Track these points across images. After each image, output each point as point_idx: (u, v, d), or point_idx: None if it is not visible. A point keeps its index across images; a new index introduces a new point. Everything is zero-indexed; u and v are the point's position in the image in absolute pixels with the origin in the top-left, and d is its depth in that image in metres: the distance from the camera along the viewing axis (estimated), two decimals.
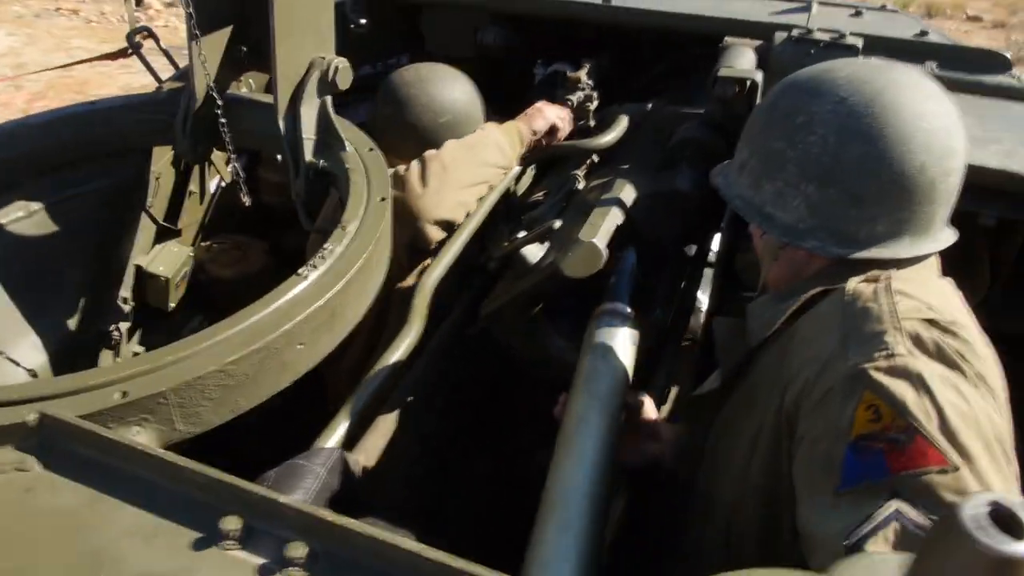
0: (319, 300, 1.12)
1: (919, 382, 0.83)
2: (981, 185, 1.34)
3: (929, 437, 0.81)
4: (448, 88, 1.81)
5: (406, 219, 1.61)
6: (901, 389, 0.83)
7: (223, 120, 1.42)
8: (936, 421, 0.81)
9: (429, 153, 1.67)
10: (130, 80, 7.29)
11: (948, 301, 0.96)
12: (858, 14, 2.05)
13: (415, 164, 1.66)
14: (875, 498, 0.81)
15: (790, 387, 0.95)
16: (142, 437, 0.98)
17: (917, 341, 0.86)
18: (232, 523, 0.78)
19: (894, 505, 0.80)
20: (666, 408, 1.46)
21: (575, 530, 1.00)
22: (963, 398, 0.83)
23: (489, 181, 1.73)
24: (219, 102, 1.41)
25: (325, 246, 1.20)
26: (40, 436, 0.90)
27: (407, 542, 0.75)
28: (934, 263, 1.03)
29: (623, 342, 1.28)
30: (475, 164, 1.69)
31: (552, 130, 1.86)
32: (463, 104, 1.81)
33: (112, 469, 0.87)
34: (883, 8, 2.16)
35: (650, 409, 1.33)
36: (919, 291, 0.93)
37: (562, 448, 1.12)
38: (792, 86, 1.05)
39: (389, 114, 1.81)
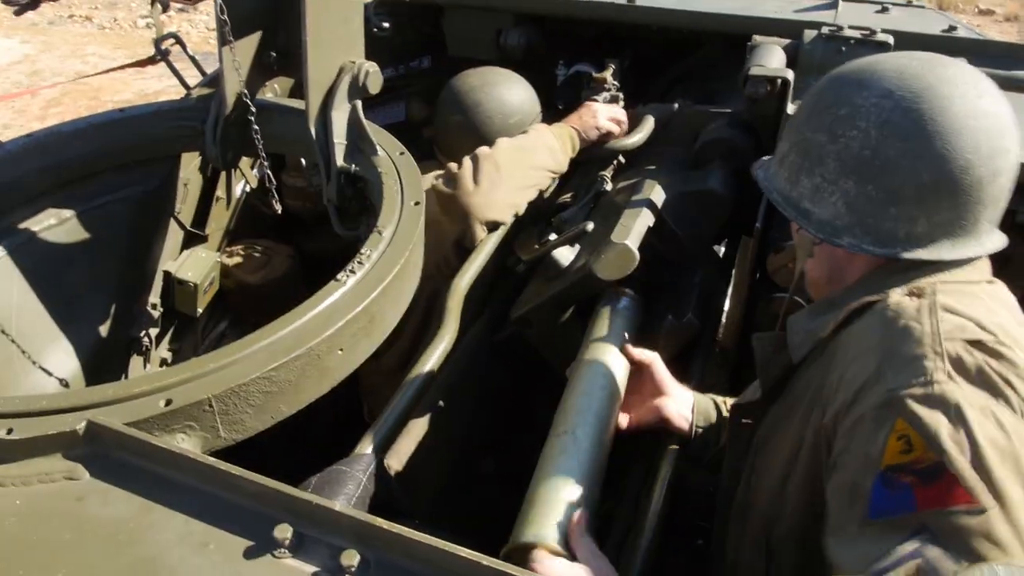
0: (358, 305, 1.12)
1: (956, 413, 0.79)
2: (1019, 182, 1.32)
3: (959, 474, 0.77)
4: (514, 91, 1.87)
5: (457, 216, 1.62)
6: (935, 419, 0.79)
7: (255, 126, 1.42)
8: (969, 456, 0.77)
9: (482, 151, 1.67)
10: (144, 86, 7.33)
11: (999, 313, 0.91)
12: (884, 10, 2.04)
13: (467, 161, 1.65)
14: (900, 532, 0.79)
15: (829, 406, 0.92)
16: (186, 444, 0.98)
17: (959, 366, 0.82)
18: (284, 531, 0.78)
19: (916, 543, 0.77)
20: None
21: (582, 449, 1.12)
22: (1003, 431, 0.79)
23: (540, 185, 1.73)
24: (252, 108, 1.41)
25: (362, 251, 1.20)
26: (88, 444, 0.90)
27: (462, 549, 0.74)
28: (985, 266, 0.98)
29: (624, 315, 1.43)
30: (527, 167, 1.69)
31: (607, 135, 1.84)
32: (529, 105, 1.88)
33: (161, 477, 0.87)
34: (909, 4, 2.14)
35: (659, 368, 1.33)
36: (968, 305, 0.89)
37: (571, 384, 1.26)
38: (838, 78, 1.02)
39: (458, 121, 1.84)
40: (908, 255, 0.94)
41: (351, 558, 0.77)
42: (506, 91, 1.85)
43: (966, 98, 0.93)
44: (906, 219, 0.94)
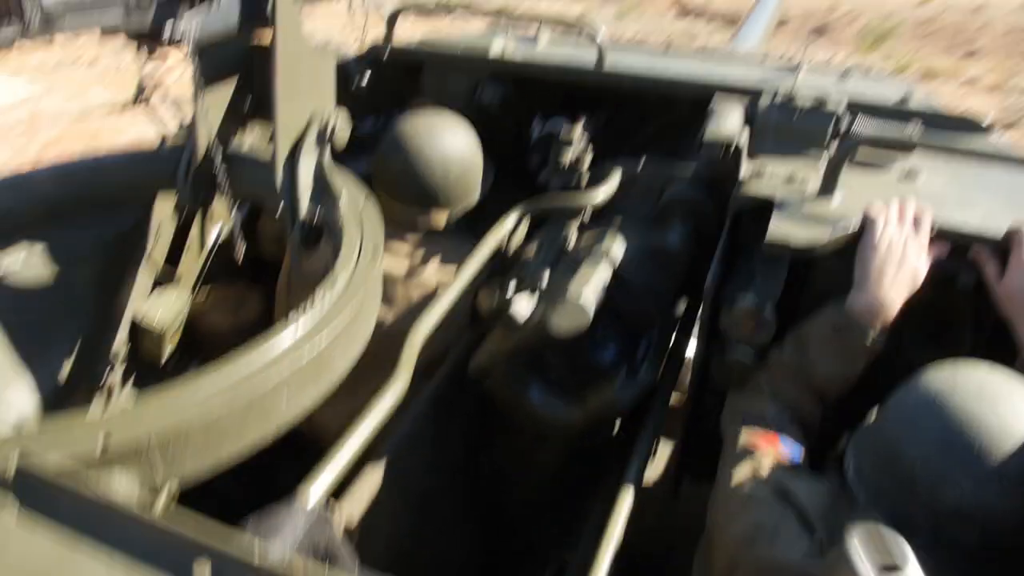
0: (305, 347, 1.13)
1: None
2: (961, 245, 1.36)
3: None
4: (453, 141, 1.92)
5: None
6: None
7: (222, 175, 1.46)
8: None
9: None
10: (142, 132, 7.44)
11: None
12: (845, 76, 2.11)
13: None
14: None
15: None
16: (124, 483, 0.99)
17: None
18: (204, 570, 0.78)
19: None
20: (653, 467, 1.46)
21: None
22: None
23: None
24: (217, 160, 1.45)
25: (315, 293, 1.22)
26: (18, 483, 0.90)
27: None
28: None
29: None
30: None
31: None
32: (469, 157, 1.93)
33: (91, 519, 0.87)
34: (869, 71, 2.22)
35: None
36: None
37: None
38: None
39: (397, 167, 1.90)
40: None
41: None
42: (446, 142, 1.92)
43: None
44: None
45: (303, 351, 1.12)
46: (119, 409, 1.01)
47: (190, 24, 1.28)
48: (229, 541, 0.81)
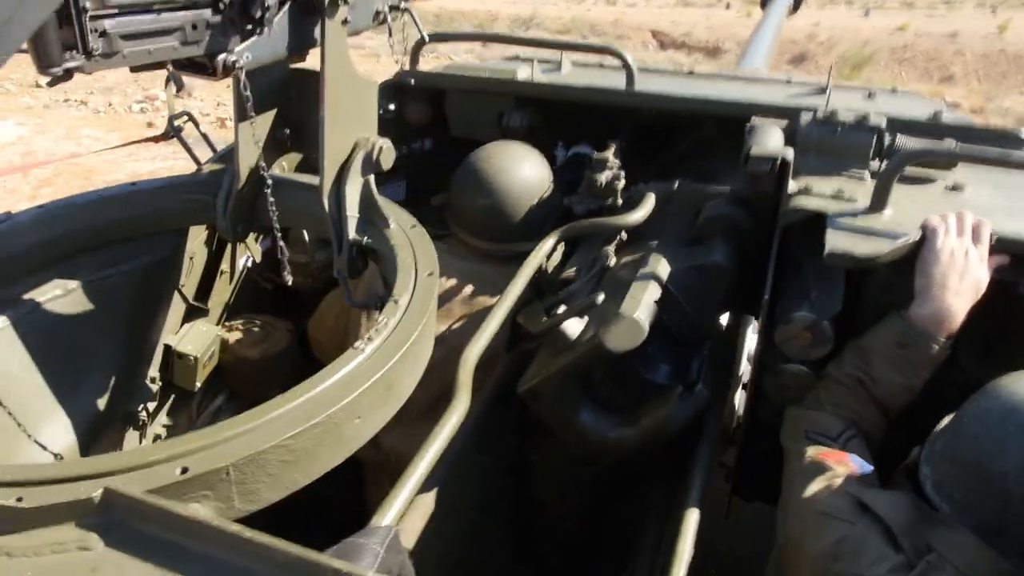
0: (376, 374, 1.11)
1: None
2: (1020, 255, 1.37)
3: None
4: (535, 169, 1.99)
5: None
6: None
7: (271, 198, 1.44)
8: None
9: None
10: (137, 167, 7.43)
11: None
12: (871, 96, 2.14)
13: None
14: None
15: None
16: (201, 513, 0.96)
17: None
18: None
19: None
20: (695, 492, 1.43)
21: None
22: None
23: None
24: (268, 181, 1.43)
25: (379, 319, 1.21)
26: (102, 513, 0.88)
27: None
28: None
29: None
30: None
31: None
32: (547, 180, 2.00)
33: (178, 547, 0.84)
34: (893, 91, 2.25)
35: None
36: None
37: None
38: None
39: (486, 204, 1.94)
40: None
41: None
42: (528, 170, 1.97)
43: None
44: None
45: (373, 376, 1.11)
46: (194, 437, 0.99)
47: (243, 53, 1.27)
48: (318, 569, 0.78)
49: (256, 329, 2.17)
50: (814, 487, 1.22)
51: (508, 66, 2.35)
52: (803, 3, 4.88)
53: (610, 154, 1.99)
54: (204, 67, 1.29)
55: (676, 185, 1.90)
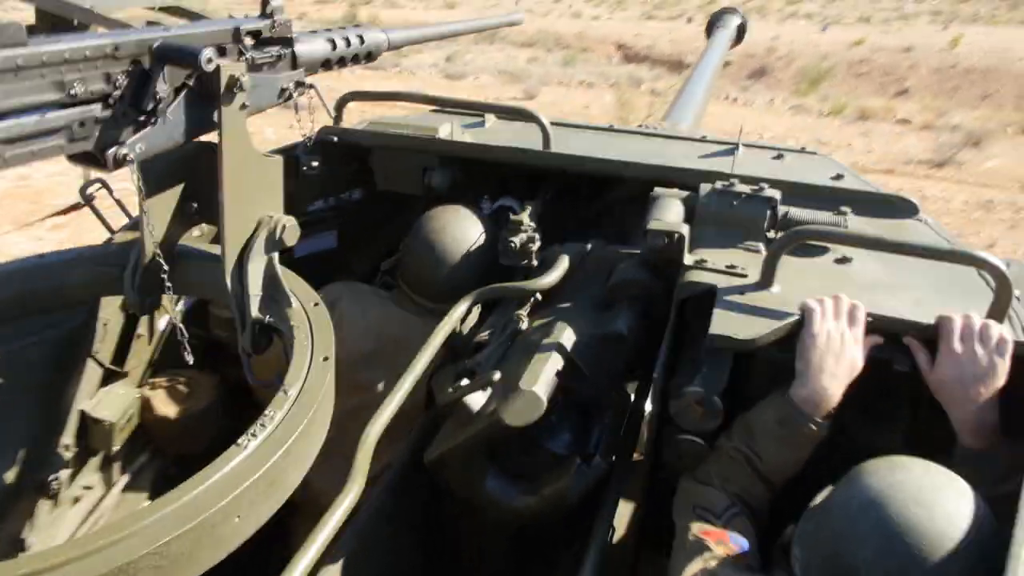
0: (258, 471, 1.12)
1: None
2: (894, 333, 1.43)
3: None
4: (479, 241, 2.10)
5: None
6: None
7: (168, 278, 1.45)
8: None
9: None
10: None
11: None
12: (779, 157, 2.21)
13: None
14: None
15: None
16: None
17: None
18: None
19: None
20: (590, 561, 1.47)
21: None
22: None
23: None
24: (164, 267, 1.44)
25: (266, 412, 1.22)
26: None
27: None
28: None
29: None
30: None
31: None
32: (489, 258, 2.10)
33: None
34: (802, 150, 2.32)
35: None
36: None
37: None
38: None
39: (412, 261, 2.09)
40: None
41: None
42: (463, 234, 2.09)
43: None
44: None
45: (255, 474, 1.12)
46: (63, 549, 0.99)
47: (135, 145, 1.28)
48: None
49: (180, 387, 2.17)
50: (692, 568, 1.26)
51: (431, 122, 2.38)
52: (746, 34, 5.00)
53: (525, 216, 2.04)
54: (96, 159, 1.29)
55: (589, 247, 1.95)
